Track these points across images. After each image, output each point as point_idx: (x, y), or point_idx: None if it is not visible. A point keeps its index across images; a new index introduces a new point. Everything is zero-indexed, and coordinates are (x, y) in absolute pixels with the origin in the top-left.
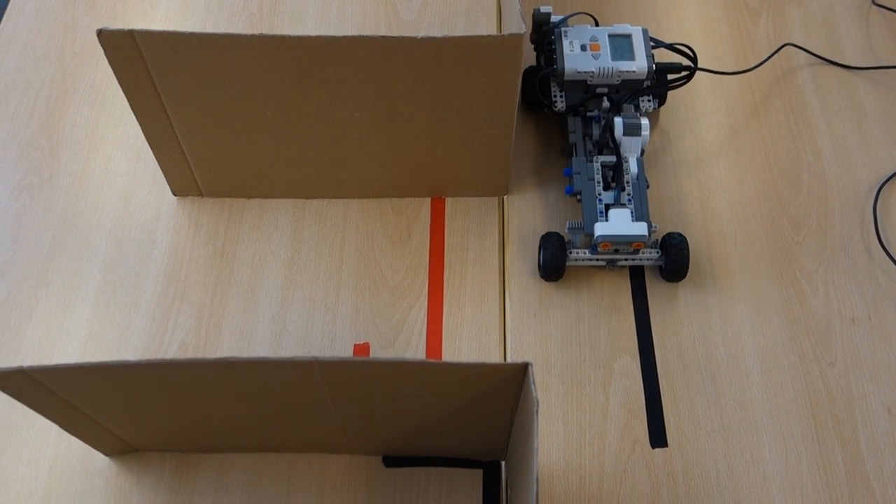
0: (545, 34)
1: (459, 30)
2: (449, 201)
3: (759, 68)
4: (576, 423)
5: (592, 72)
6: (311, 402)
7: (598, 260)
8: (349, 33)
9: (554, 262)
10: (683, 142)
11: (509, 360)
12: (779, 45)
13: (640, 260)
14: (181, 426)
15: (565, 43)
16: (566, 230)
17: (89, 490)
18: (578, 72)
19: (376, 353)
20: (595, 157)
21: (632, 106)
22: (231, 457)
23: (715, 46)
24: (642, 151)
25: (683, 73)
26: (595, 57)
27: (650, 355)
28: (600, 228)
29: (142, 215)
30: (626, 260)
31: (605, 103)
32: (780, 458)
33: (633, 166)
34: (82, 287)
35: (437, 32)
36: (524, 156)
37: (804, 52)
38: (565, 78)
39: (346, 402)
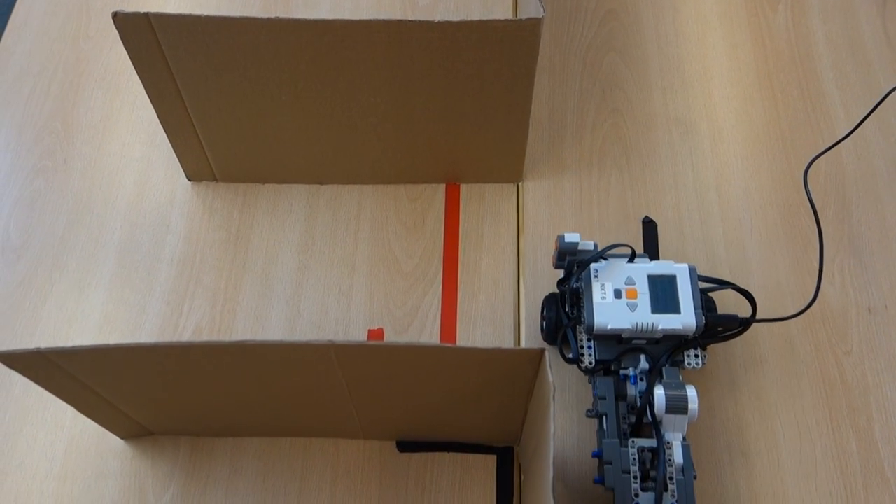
0: (571, 266)
1: (475, 14)
2: (464, 187)
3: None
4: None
5: (627, 328)
6: (326, 386)
7: None
8: (364, 17)
9: None
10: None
11: (524, 346)
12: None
13: None
14: (196, 410)
15: (595, 286)
16: None
17: (104, 472)
18: (610, 328)
19: (390, 338)
20: (631, 441)
21: (676, 369)
22: (245, 441)
23: (733, 33)
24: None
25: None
26: (631, 307)
27: None
28: None
29: (156, 200)
30: None
31: (643, 363)
32: (794, 446)
33: (677, 455)
34: (97, 271)
35: (453, 17)
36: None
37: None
38: (594, 333)
39: (361, 387)
